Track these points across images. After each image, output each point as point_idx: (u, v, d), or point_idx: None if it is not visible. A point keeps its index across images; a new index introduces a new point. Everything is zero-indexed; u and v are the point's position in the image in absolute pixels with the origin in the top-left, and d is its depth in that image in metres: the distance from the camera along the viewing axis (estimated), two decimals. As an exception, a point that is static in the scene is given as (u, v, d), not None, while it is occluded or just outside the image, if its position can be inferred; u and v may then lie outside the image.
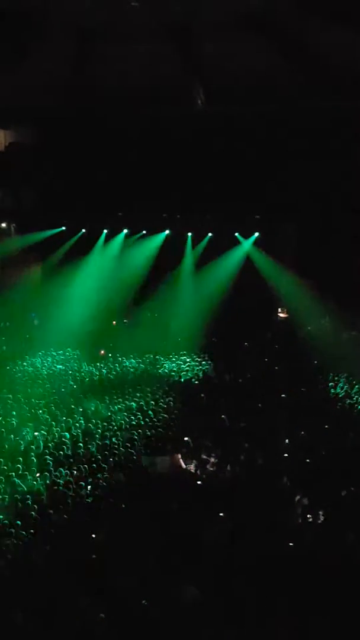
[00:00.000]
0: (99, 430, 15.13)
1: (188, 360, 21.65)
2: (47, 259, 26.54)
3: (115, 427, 15.36)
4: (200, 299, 24.56)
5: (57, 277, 25.55)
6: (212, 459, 14.18)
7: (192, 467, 14.04)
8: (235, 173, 21.26)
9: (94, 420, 15.71)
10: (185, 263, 26.35)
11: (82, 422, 15.63)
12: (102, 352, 22.68)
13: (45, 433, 14.82)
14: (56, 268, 25.99)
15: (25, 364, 20.89)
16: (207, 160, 21.24)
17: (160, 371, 20.52)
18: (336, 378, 19.03)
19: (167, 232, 26.16)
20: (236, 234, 25.71)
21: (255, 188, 21.72)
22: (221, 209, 23.56)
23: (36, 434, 14.77)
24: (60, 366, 20.79)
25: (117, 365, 20.92)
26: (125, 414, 16.35)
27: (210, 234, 26.01)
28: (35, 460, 13.32)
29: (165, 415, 16.21)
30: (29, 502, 11.36)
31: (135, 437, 14.47)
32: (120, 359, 21.51)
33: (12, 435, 14.52)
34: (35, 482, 12.46)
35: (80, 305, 24.37)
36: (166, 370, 20.59)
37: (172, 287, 25.60)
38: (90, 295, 25.24)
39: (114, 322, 26.18)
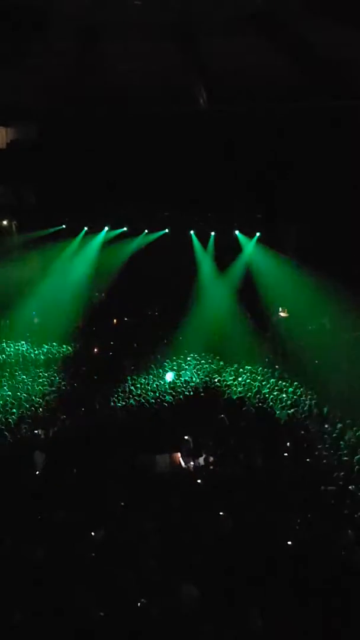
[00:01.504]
0: None
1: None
2: (47, 257, 26.51)
3: None
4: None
5: (57, 275, 25.62)
6: (212, 458, 14.21)
7: (191, 466, 14.07)
8: (236, 172, 21.25)
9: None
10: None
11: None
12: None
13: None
14: (56, 266, 26.04)
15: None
16: (208, 159, 21.23)
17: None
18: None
19: (165, 230, 26.18)
20: (237, 233, 25.72)
21: (257, 187, 21.72)
22: (222, 209, 23.58)
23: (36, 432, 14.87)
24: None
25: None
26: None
27: (213, 233, 26.00)
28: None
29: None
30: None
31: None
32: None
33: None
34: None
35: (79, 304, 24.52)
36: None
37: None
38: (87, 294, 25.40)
39: (115, 321, 26.24)
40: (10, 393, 17.52)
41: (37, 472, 13.06)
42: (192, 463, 14.17)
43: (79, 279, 25.85)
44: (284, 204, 22.39)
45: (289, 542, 10.46)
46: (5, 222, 26.45)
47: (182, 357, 21.51)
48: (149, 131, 20.42)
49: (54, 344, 22.83)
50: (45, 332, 23.50)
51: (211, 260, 26.02)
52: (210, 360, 21.50)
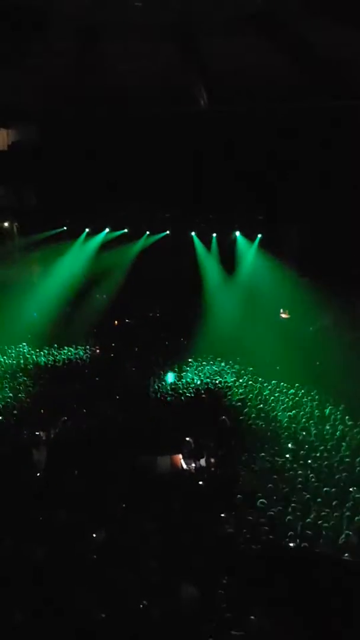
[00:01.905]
0: None
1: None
2: (49, 258, 26.42)
3: None
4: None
5: (57, 277, 25.59)
6: (213, 460, 14.17)
7: (192, 468, 14.02)
8: (237, 173, 21.22)
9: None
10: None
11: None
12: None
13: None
14: (56, 267, 26.00)
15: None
16: (208, 160, 21.22)
17: None
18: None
19: (167, 232, 26.16)
20: (237, 234, 25.70)
21: (257, 188, 21.69)
22: (223, 210, 23.57)
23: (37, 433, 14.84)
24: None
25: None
26: None
27: (215, 235, 25.98)
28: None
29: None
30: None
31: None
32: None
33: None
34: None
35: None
36: None
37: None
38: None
39: (116, 322, 26.20)
40: (12, 395, 17.50)
41: (38, 473, 13.02)
42: (193, 465, 14.14)
43: (79, 281, 25.82)
44: (284, 205, 22.34)
45: (291, 544, 10.44)
46: (6, 224, 26.42)
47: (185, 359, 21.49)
48: (149, 132, 20.39)
49: (55, 345, 22.84)
50: (45, 334, 23.47)
51: (214, 261, 25.97)
52: (211, 362, 21.47)
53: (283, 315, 25.70)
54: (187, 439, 14.75)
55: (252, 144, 20.22)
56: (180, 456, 14.22)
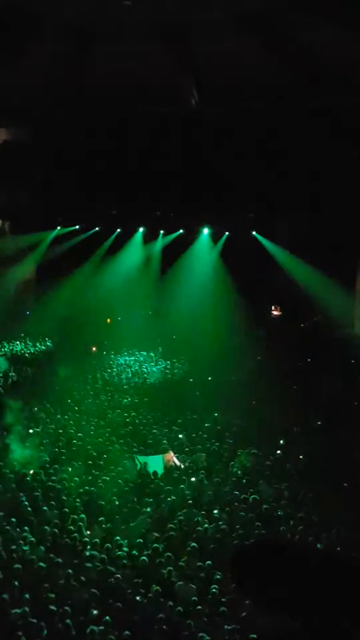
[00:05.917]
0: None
1: None
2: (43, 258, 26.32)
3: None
4: None
5: (52, 276, 25.52)
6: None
7: (185, 465, 14.04)
8: (235, 172, 21.22)
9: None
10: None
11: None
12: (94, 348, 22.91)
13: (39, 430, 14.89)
14: (51, 266, 25.91)
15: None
16: (205, 159, 21.21)
17: None
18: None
19: (162, 231, 26.23)
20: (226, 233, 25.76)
21: (253, 186, 21.71)
22: (219, 208, 23.60)
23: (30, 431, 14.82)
24: None
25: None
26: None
27: (207, 231, 26.04)
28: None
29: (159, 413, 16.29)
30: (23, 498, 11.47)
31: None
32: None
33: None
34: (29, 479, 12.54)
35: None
36: None
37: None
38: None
39: (108, 320, 26.20)
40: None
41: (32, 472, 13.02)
42: (187, 462, 14.16)
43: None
44: (280, 203, 22.37)
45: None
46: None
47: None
48: (143, 131, 20.36)
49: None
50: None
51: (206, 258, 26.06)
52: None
53: (275, 312, 25.77)
54: (180, 436, 14.84)
55: (249, 143, 20.21)
56: (172, 454, 14.22)
